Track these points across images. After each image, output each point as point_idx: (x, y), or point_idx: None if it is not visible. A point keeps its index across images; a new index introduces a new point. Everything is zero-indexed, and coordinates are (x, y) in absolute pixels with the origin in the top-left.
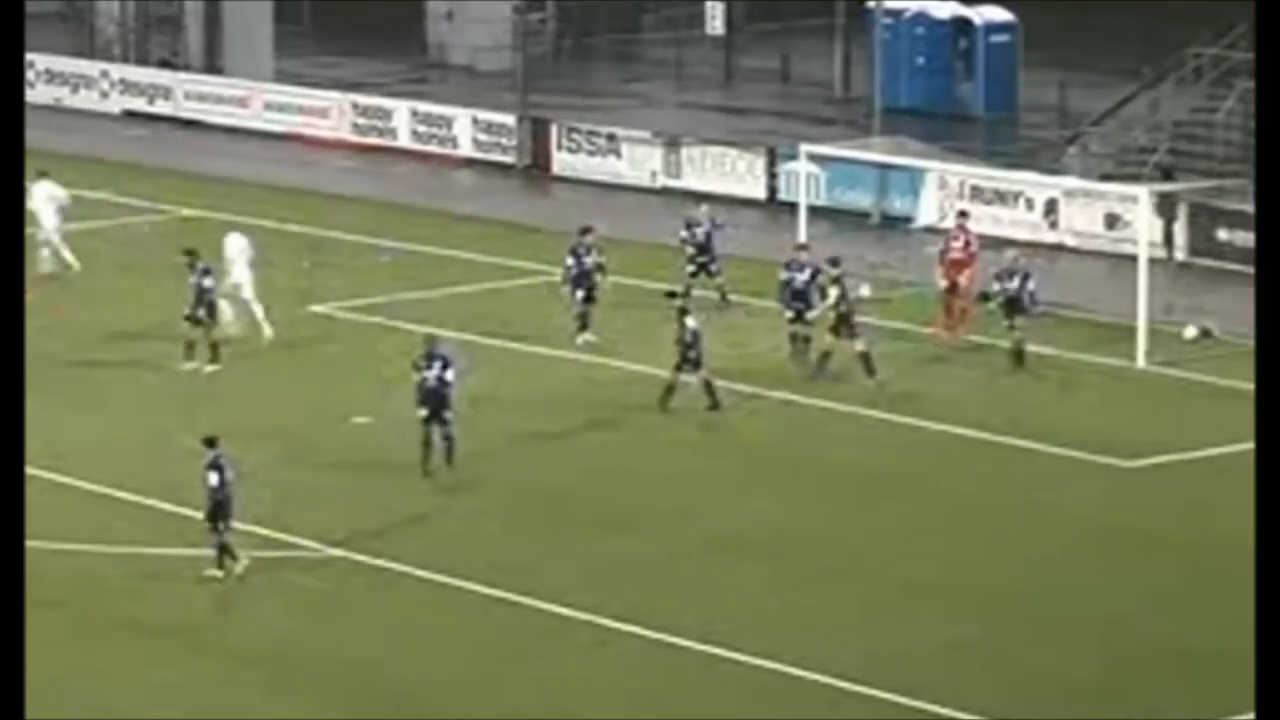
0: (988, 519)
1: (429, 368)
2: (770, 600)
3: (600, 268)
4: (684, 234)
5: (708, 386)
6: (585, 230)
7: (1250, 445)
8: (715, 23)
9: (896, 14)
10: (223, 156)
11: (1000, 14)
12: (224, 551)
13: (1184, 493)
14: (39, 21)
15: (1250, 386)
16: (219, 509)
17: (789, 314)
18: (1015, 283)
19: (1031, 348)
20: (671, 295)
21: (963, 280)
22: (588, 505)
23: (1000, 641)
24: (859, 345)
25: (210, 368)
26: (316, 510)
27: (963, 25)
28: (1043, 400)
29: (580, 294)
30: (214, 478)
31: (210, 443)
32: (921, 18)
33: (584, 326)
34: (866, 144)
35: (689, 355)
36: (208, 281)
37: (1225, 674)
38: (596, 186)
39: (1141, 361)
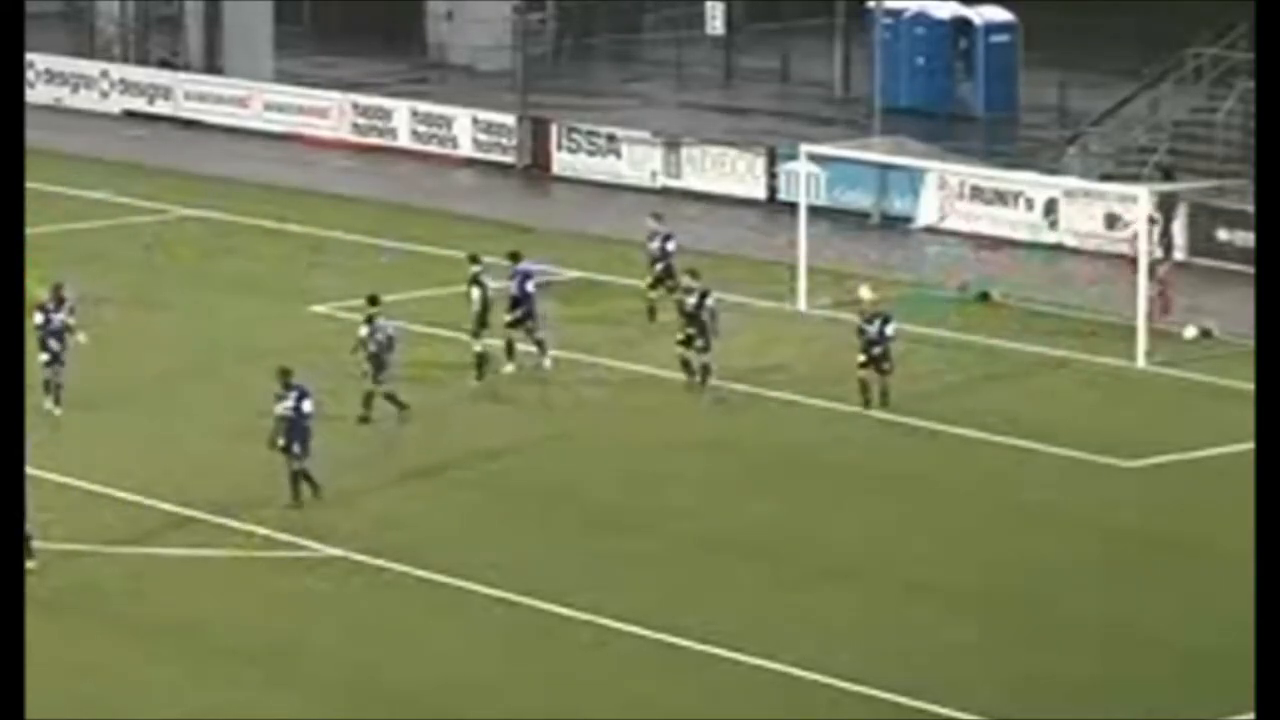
0: (988, 519)
1: (285, 398)
2: (770, 600)
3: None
4: (652, 246)
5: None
6: (473, 259)
7: (1250, 445)
8: (715, 23)
9: (896, 14)
10: (223, 156)
11: (1000, 14)
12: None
13: (1184, 493)
14: (39, 21)
15: (1250, 386)
16: None
17: (679, 337)
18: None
19: (1031, 347)
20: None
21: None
22: (588, 505)
23: (1000, 642)
24: (477, 347)
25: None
26: (316, 510)
27: (963, 25)
28: (1043, 400)
29: (511, 317)
30: None
31: None
32: (921, 18)
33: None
34: (866, 144)
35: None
36: (72, 320)
37: (1225, 674)
38: (596, 186)
39: (1141, 361)
